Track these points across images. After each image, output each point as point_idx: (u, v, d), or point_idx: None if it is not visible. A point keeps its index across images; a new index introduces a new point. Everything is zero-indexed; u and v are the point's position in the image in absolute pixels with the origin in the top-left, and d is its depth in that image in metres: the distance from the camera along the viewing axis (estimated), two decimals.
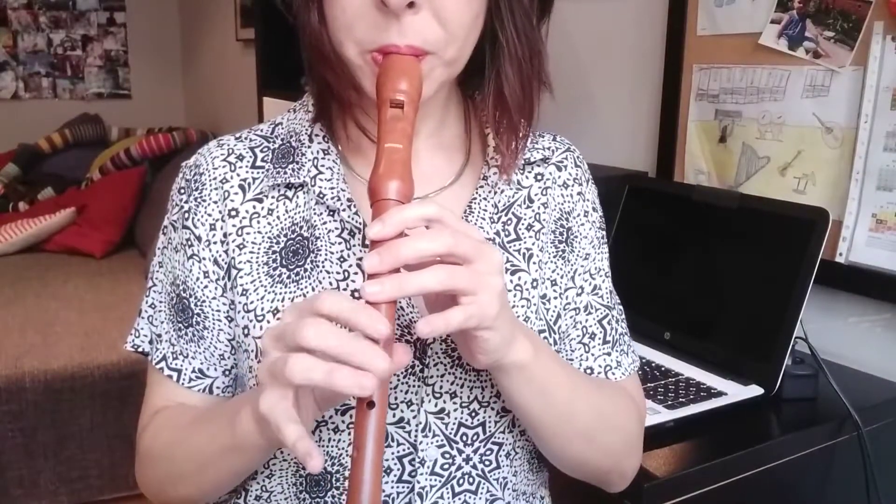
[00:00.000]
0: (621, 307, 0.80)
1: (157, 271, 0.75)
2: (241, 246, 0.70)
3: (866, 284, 1.21)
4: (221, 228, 0.70)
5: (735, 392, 1.07)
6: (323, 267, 0.69)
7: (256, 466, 0.67)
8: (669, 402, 1.02)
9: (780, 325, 1.09)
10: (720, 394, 1.06)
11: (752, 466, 0.96)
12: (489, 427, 0.70)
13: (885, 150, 1.18)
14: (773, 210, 1.17)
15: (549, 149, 0.78)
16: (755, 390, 1.07)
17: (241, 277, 0.70)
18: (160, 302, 0.75)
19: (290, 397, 0.54)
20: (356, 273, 0.68)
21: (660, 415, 0.99)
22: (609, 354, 0.76)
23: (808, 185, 1.29)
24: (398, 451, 0.68)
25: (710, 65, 1.43)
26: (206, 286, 0.71)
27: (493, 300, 0.55)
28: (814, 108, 1.27)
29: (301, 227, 0.70)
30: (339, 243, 0.69)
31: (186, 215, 0.72)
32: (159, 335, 0.74)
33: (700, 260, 1.27)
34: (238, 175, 0.72)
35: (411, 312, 0.67)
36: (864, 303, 1.24)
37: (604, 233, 0.80)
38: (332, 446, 0.68)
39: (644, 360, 1.17)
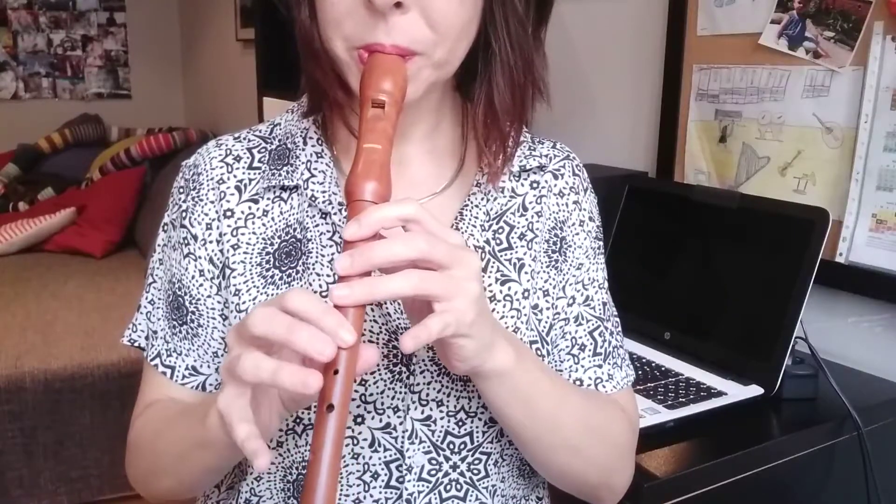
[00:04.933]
0: (618, 320, 0.79)
1: (158, 268, 0.76)
2: (236, 246, 0.70)
3: (866, 284, 1.21)
4: (217, 228, 0.71)
5: (735, 392, 1.07)
6: (314, 269, 0.68)
7: (228, 463, 0.66)
8: (669, 402, 1.02)
9: (780, 324, 1.09)
10: (720, 394, 1.06)
11: (752, 466, 0.96)
12: (477, 437, 0.69)
13: (885, 150, 1.18)
14: (773, 210, 1.17)
15: (546, 156, 0.77)
16: (755, 390, 1.07)
17: (234, 277, 0.70)
18: (159, 299, 0.75)
19: (248, 395, 0.53)
20: None
21: (660, 415, 0.99)
22: (600, 367, 0.75)
23: (808, 185, 1.29)
24: (385, 457, 0.67)
25: (710, 65, 1.43)
26: (201, 284, 0.71)
27: (469, 306, 0.54)
28: (814, 108, 1.27)
29: (295, 229, 0.70)
30: (330, 246, 0.69)
31: (184, 214, 0.72)
32: (155, 332, 0.74)
33: (700, 260, 1.27)
34: (235, 176, 0.72)
35: (398, 318, 0.67)
36: (864, 303, 1.24)
37: (601, 243, 0.79)
38: None
39: (644, 361, 1.17)
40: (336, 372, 0.50)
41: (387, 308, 0.67)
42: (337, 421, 0.50)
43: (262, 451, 0.50)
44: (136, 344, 0.77)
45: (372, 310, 0.67)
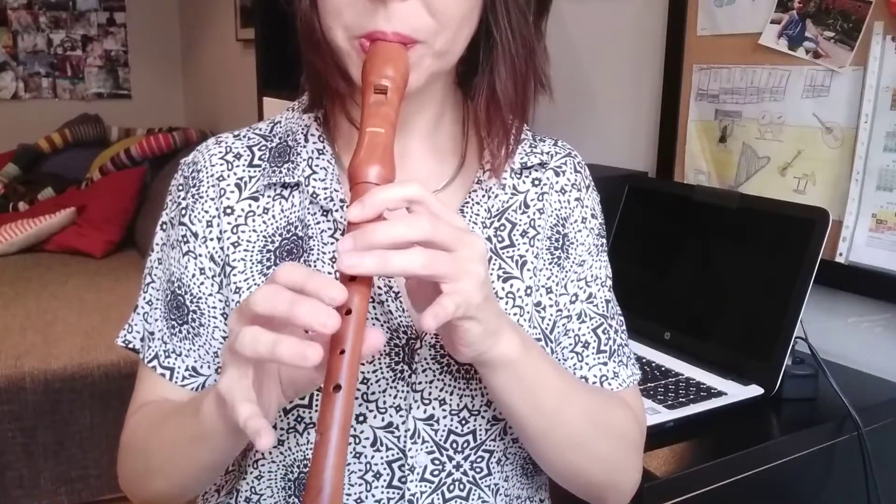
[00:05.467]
0: (622, 318, 0.78)
1: (156, 268, 0.75)
2: (236, 244, 0.70)
3: (866, 284, 1.21)
4: (217, 226, 0.70)
5: (735, 392, 1.07)
6: (315, 266, 0.68)
7: (224, 459, 0.65)
8: (669, 402, 1.02)
9: (780, 324, 1.09)
10: (720, 394, 1.06)
11: (752, 466, 0.96)
12: (480, 435, 0.69)
13: (885, 150, 1.18)
14: (773, 210, 1.17)
15: (548, 153, 0.77)
16: (755, 390, 1.07)
17: (235, 275, 0.69)
18: (157, 299, 0.74)
19: (250, 376, 0.53)
20: None
21: (660, 415, 0.99)
22: (605, 364, 0.74)
23: (808, 185, 1.29)
24: (388, 456, 0.67)
25: (710, 65, 1.43)
26: (201, 283, 0.71)
27: (476, 288, 0.54)
28: (814, 108, 1.27)
29: (296, 227, 0.70)
30: (332, 244, 0.69)
31: (184, 212, 0.72)
32: (152, 333, 0.74)
33: (700, 260, 1.27)
34: (235, 173, 0.72)
35: (400, 317, 0.67)
36: (864, 303, 1.24)
37: (603, 240, 0.78)
38: None
39: (644, 360, 1.17)
40: (342, 352, 0.50)
41: (388, 306, 0.67)
42: (344, 401, 0.50)
43: (265, 429, 0.50)
44: (130, 346, 0.76)
45: (374, 307, 0.67)
